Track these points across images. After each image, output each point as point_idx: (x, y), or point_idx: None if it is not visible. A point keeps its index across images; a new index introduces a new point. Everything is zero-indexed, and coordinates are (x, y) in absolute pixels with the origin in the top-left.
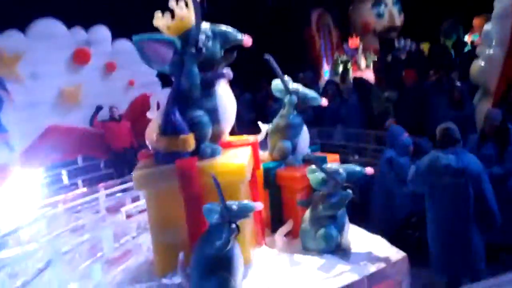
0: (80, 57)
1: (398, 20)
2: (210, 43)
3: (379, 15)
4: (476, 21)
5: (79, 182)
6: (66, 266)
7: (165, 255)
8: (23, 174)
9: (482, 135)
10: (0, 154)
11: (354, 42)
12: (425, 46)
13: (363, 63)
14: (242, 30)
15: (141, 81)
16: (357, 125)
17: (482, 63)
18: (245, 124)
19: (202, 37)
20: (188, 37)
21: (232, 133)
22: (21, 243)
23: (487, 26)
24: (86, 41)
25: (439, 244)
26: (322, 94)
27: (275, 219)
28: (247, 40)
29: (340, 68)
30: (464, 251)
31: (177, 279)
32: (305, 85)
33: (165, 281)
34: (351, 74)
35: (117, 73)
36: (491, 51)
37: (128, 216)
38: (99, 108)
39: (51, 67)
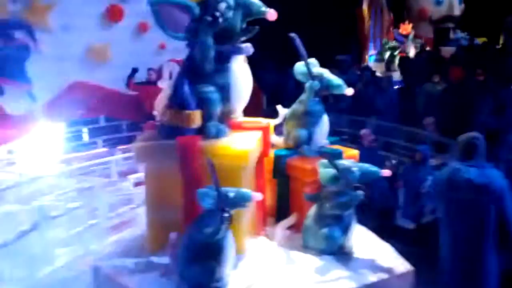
0: (113, 14)
1: (458, 9)
2: (230, 14)
3: (438, 2)
4: None
5: (99, 141)
6: (55, 231)
7: (158, 232)
8: (44, 127)
9: None
10: (22, 104)
11: (406, 28)
12: (482, 42)
13: (412, 51)
14: (288, 5)
15: (173, 45)
16: (393, 117)
17: None
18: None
19: (222, 5)
20: (207, 3)
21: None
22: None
23: None
24: None
25: (450, 265)
26: (358, 80)
27: (281, 210)
28: (271, 14)
29: (387, 55)
30: (477, 275)
31: (166, 259)
32: (340, 68)
33: (154, 259)
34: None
35: (149, 34)
36: None
37: (138, 184)
38: (135, 70)
39: (82, 21)
